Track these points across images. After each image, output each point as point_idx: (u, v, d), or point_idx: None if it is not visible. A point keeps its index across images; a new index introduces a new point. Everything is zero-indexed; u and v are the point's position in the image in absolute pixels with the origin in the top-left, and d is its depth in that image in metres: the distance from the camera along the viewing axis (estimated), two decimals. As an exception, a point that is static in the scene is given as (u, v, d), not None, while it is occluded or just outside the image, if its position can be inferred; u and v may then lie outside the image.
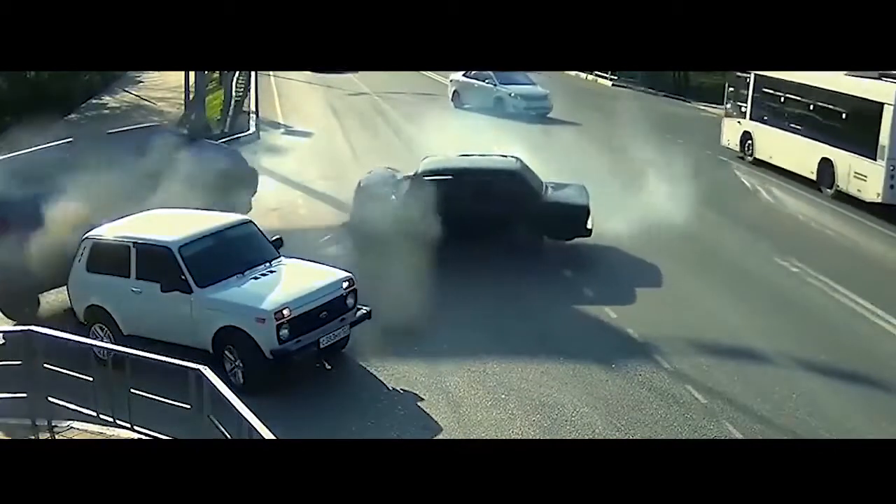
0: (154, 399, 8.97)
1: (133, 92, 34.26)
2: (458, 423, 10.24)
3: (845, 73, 18.19)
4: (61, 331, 9.97)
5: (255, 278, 11.22)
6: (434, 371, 11.35)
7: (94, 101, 32.38)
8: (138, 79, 36.28)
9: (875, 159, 17.85)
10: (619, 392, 10.85)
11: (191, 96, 27.38)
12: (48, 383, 9.61)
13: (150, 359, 9.13)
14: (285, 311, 10.58)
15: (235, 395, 8.19)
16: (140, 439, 9.18)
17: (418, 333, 11.83)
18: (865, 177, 18.18)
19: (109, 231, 11.75)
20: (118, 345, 10.46)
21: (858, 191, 18.49)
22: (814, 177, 19.85)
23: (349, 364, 11.64)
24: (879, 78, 17.77)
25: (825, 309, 13.43)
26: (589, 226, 15.16)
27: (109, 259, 11.56)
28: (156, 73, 34.73)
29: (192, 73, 26.96)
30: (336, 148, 23.62)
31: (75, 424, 9.72)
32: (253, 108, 29.40)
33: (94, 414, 9.55)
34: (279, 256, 11.80)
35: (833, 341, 12.27)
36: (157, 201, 12.55)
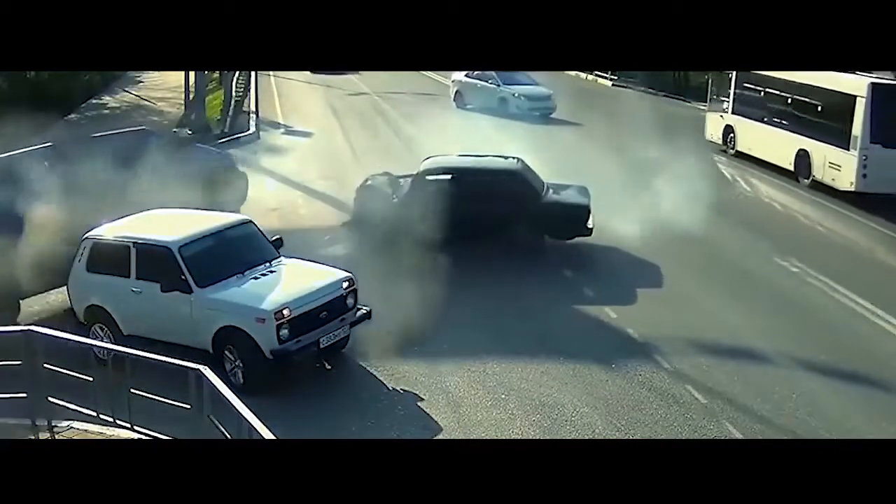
0: (154, 399, 8.97)
1: (133, 92, 34.26)
2: (458, 423, 10.23)
3: None
4: (61, 331, 9.96)
5: (255, 278, 11.22)
6: (434, 371, 11.35)
7: (94, 101, 32.35)
8: (138, 79, 36.28)
9: (848, 150, 18.57)
10: (619, 392, 10.84)
11: (191, 96, 27.39)
12: (48, 383, 9.60)
13: (150, 359, 9.13)
14: (285, 311, 10.58)
15: (235, 395, 8.19)
16: (140, 439, 9.17)
17: (418, 333, 11.83)
18: (839, 167, 18.92)
19: (109, 231, 11.75)
20: (118, 345, 10.45)
21: (833, 180, 19.19)
22: (792, 168, 20.62)
23: (349, 364, 11.64)
24: (853, 72, 18.32)
25: (825, 309, 13.43)
26: (590, 225, 15.18)
27: (109, 259, 11.56)
28: (156, 73, 34.73)
29: (192, 73, 26.97)
30: (336, 148, 23.60)
31: (75, 424, 9.72)
32: (253, 108, 29.40)
33: (94, 414, 9.55)
34: (279, 256, 11.80)
35: (833, 341, 12.27)
36: (138, 206, 12.41)
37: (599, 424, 10.13)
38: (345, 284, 11.36)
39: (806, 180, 20.12)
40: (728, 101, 23.20)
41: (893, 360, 11.74)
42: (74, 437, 9.53)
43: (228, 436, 8.16)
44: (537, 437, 9.86)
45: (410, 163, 16.75)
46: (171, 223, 11.90)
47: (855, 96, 18.40)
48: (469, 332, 12.42)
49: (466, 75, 29.46)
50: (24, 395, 9.73)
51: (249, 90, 31.67)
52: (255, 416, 7.69)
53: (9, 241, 11.78)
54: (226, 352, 10.83)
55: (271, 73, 35.10)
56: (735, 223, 17.47)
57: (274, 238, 12.06)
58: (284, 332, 10.56)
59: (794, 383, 11.06)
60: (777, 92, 21.04)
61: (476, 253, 14.53)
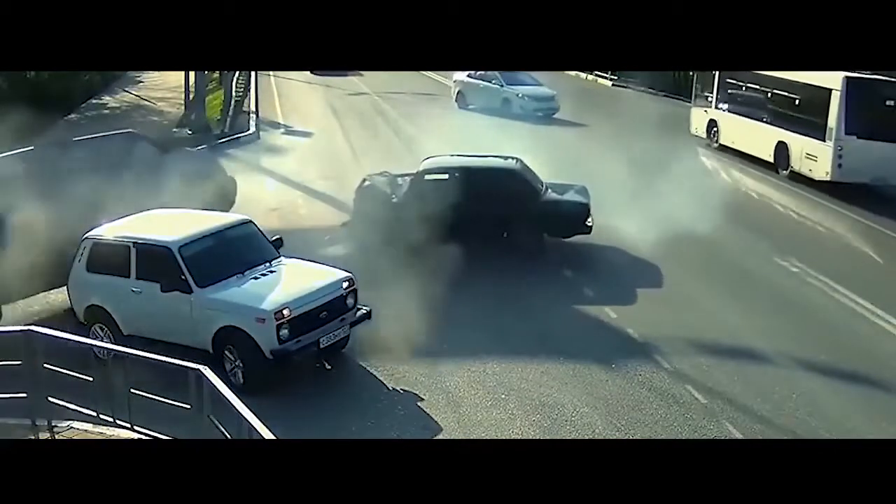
0: (154, 399, 8.97)
1: (133, 92, 34.28)
2: (458, 423, 10.23)
3: None
4: (61, 331, 9.97)
5: (255, 278, 11.22)
6: (434, 371, 11.35)
7: (94, 101, 32.37)
8: (138, 79, 36.30)
9: (824, 141, 19.33)
10: (619, 392, 10.84)
11: (191, 96, 27.41)
12: (48, 383, 9.60)
13: (150, 359, 9.13)
14: (285, 311, 10.58)
15: (235, 395, 8.19)
16: (140, 439, 9.18)
17: (418, 333, 11.82)
18: (816, 157, 19.69)
19: (109, 231, 11.75)
20: (118, 345, 10.46)
21: (810, 170, 19.97)
22: (772, 159, 21.36)
23: (349, 364, 11.64)
24: None
25: (825, 309, 13.43)
26: (589, 223, 15.19)
27: (109, 259, 11.57)
28: (156, 73, 34.76)
29: (192, 73, 26.98)
30: (336, 148, 23.61)
31: (75, 424, 9.72)
32: (253, 108, 29.42)
33: (94, 414, 9.55)
34: (279, 256, 11.80)
35: (833, 341, 12.27)
36: (121, 213, 12.20)
37: (599, 424, 10.13)
38: (345, 284, 11.36)
39: (785, 171, 20.89)
40: (711, 97, 23.85)
41: (893, 360, 11.74)
42: (74, 437, 9.53)
43: (228, 436, 8.16)
44: (537, 437, 9.86)
45: (410, 163, 16.74)
46: (170, 223, 11.90)
47: (830, 90, 19.04)
48: (469, 332, 12.42)
49: (468, 75, 29.43)
50: (24, 395, 9.73)
51: (249, 90, 31.70)
52: (255, 416, 7.70)
53: None
54: (226, 352, 10.83)
55: (271, 73, 35.11)
56: (735, 223, 17.45)
57: (274, 238, 12.06)
58: (284, 332, 10.56)
59: (794, 383, 11.06)
60: (757, 87, 21.79)
61: (476, 253, 14.53)
